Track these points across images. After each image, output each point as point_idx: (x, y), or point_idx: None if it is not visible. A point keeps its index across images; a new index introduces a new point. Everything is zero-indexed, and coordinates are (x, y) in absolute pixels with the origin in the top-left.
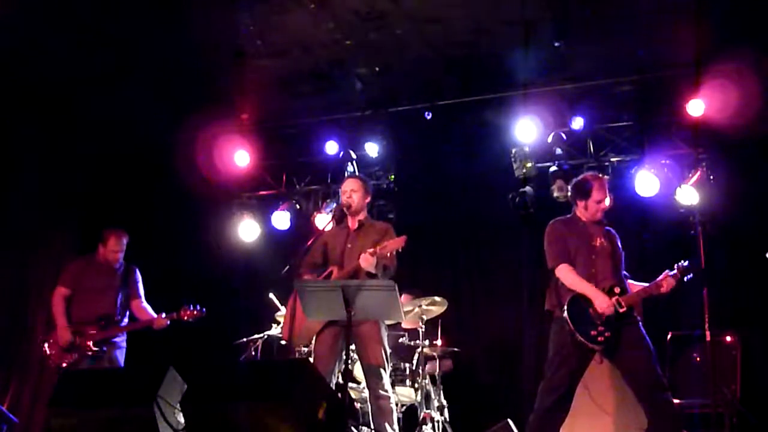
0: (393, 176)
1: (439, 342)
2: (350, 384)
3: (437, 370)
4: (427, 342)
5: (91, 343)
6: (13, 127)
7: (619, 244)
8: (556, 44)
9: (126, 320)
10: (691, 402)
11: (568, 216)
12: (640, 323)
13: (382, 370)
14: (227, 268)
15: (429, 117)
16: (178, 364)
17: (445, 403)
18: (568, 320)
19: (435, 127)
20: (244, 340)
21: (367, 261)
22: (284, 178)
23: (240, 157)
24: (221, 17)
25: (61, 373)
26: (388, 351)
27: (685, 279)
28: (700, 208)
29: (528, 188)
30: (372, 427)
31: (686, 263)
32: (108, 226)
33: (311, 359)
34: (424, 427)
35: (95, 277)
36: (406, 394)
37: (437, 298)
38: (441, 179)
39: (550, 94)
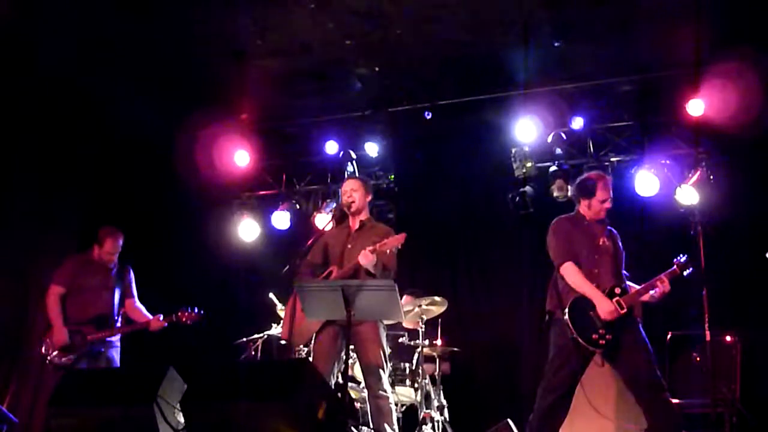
0: (393, 176)
1: (439, 342)
2: (350, 384)
3: (437, 370)
4: (427, 342)
5: (87, 343)
6: (12, 127)
7: (620, 243)
8: (556, 44)
9: (120, 320)
10: (691, 402)
11: (572, 214)
12: (640, 324)
13: (380, 371)
14: (227, 268)
15: (429, 117)
16: (178, 364)
17: (445, 403)
18: (570, 323)
19: (435, 127)
20: (244, 340)
21: (366, 258)
22: (284, 178)
23: (240, 157)
24: (221, 17)
25: (62, 373)
26: (387, 351)
27: (685, 274)
28: (700, 208)
29: (528, 188)
30: (372, 427)
31: (684, 258)
32: (103, 226)
33: (311, 359)
34: (424, 427)
35: (91, 276)
36: (406, 394)
37: (437, 298)
38: (441, 179)
39: (550, 94)
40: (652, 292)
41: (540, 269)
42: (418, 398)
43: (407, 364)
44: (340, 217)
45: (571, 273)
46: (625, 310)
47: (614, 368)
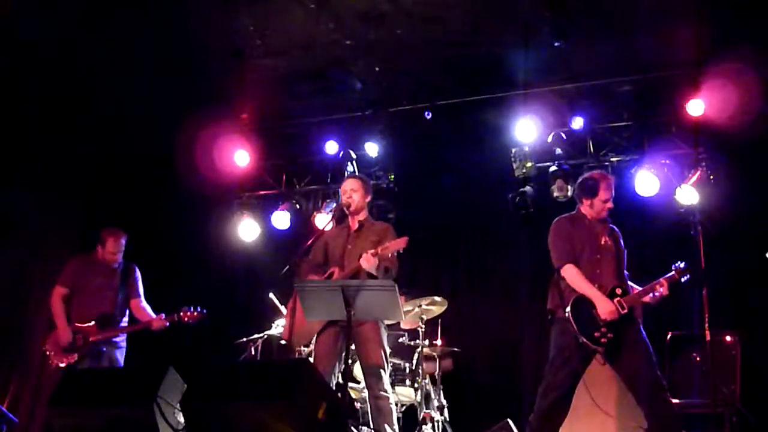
0: (393, 176)
1: (439, 342)
2: (350, 384)
3: (437, 370)
4: (427, 342)
5: (90, 343)
6: (13, 127)
7: (622, 242)
8: (556, 44)
9: (125, 320)
10: (691, 402)
11: (573, 213)
12: (640, 324)
13: (381, 371)
14: (227, 268)
15: (429, 117)
16: (178, 364)
17: (445, 403)
18: (572, 321)
19: (435, 127)
20: (244, 340)
21: (369, 261)
22: (284, 178)
23: (240, 157)
24: (221, 17)
25: (62, 373)
26: (388, 351)
27: (683, 280)
28: (700, 208)
29: (528, 188)
30: (372, 427)
31: (683, 264)
32: (106, 227)
33: (311, 359)
34: (424, 427)
35: (94, 276)
36: (406, 394)
37: (437, 298)
38: (441, 179)
39: (550, 94)
40: (651, 295)
41: (540, 269)
42: (418, 398)
43: (407, 364)
44: (340, 217)
45: (571, 275)
46: (626, 310)
47: (615, 368)
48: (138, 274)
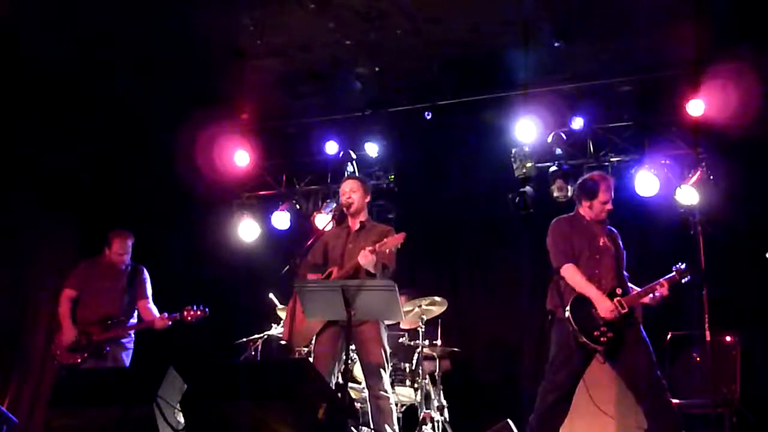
0: (393, 176)
1: (438, 342)
2: (350, 384)
3: (437, 370)
4: (427, 342)
5: (95, 343)
6: (13, 127)
7: (621, 243)
8: (556, 44)
9: (133, 321)
10: (691, 402)
11: (572, 214)
12: (640, 324)
13: (381, 371)
14: (227, 268)
15: (429, 117)
16: (178, 364)
17: (445, 403)
18: (572, 320)
19: (435, 127)
20: (244, 340)
21: (366, 258)
22: (284, 178)
23: (240, 157)
24: (221, 17)
25: (62, 373)
26: (388, 351)
27: (683, 281)
28: (700, 208)
29: (528, 188)
30: (372, 427)
31: (683, 265)
32: (113, 229)
33: (311, 359)
34: (424, 427)
35: (101, 278)
36: (406, 394)
37: (437, 298)
38: (441, 179)
39: (550, 94)
40: (651, 295)
41: (540, 269)
42: (418, 398)
43: (407, 364)
44: (340, 217)
45: (571, 274)
46: (626, 310)
47: (615, 368)
48: (146, 275)
